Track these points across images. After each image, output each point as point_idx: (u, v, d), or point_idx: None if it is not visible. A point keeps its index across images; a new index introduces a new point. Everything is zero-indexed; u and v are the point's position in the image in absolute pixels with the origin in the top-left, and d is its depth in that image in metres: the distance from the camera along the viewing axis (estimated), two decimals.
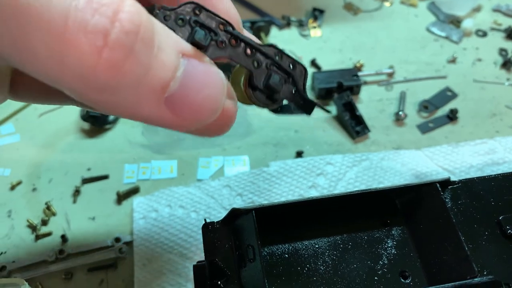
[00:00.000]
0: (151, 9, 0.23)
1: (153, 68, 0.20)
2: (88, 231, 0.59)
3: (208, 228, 0.44)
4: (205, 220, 0.45)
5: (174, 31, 0.23)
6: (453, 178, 0.51)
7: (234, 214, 0.44)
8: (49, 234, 0.58)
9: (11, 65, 0.20)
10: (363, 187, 0.60)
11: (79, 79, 0.18)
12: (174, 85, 0.21)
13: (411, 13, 0.88)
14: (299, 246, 0.45)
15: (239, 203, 0.59)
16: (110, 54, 0.18)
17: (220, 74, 0.25)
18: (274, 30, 0.83)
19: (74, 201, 0.61)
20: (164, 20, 0.24)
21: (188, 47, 0.23)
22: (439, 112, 0.72)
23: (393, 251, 0.45)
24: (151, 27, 0.20)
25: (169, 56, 0.21)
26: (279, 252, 0.44)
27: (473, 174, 0.61)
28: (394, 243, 0.45)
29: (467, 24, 0.84)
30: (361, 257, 0.44)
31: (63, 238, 0.57)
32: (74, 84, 0.18)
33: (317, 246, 0.45)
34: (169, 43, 0.21)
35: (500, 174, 0.48)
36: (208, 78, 0.23)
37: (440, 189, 0.44)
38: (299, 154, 0.66)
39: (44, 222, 0.59)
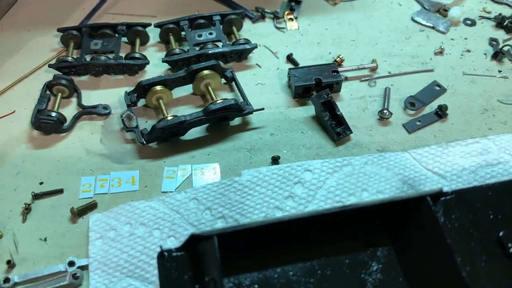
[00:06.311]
0: None
1: None
2: (39, 254, 0.53)
3: (165, 258, 0.38)
4: (160, 247, 0.39)
5: None
6: (443, 183, 0.46)
7: (194, 239, 0.38)
8: None
9: None
10: (344, 195, 0.54)
11: None
12: None
13: (395, 1, 0.83)
14: (270, 274, 0.39)
15: (207, 218, 0.53)
16: None
17: None
18: (247, 23, 0.77)
19: (24, 220, 0.55)
20: None
21: None
22: (427, 109, 0.66)
23: (378, 276, 0.39)
24: None
25: None
26: (247, 283, 0.38)
27: (466, 177, 0.55)
28: (380, 266, 0.39)
29: (454, 12, 0.78)
30: (343, 285, 0.38)
31: (10, 264, 0.51)
32: None
33: (291, 273, 0.39)
34: None
35: (497, 182, 0.42)
36: None
37: (431, 203, 0.39)
38: (275, 160, 0.60)
39: None
